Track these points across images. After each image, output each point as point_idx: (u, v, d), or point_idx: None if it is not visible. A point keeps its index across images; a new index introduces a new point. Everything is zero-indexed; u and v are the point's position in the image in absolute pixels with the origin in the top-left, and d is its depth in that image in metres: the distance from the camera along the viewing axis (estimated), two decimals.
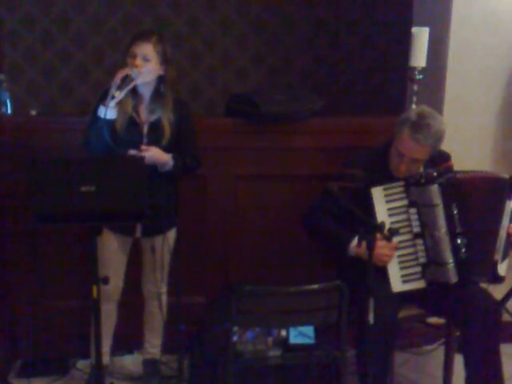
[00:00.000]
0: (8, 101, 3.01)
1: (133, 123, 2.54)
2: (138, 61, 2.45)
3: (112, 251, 2.65)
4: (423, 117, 2.42)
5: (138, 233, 2.65)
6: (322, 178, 2.76)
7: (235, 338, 2.43)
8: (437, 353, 3.07)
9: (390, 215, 2.44)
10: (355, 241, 2.41)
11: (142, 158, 2.34)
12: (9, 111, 3.02)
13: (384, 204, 2.44)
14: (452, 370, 2.75)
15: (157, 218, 2.52)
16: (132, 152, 2.45)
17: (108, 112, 2.40)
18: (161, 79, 2.54)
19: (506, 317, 3.02)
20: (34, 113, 3.15)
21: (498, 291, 2.97)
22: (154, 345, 2.88)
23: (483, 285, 2.62)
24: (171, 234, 2.72)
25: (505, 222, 2.43)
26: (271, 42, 4.13)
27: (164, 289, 2.77)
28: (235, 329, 2.39)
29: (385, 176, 2.52)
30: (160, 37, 2.54)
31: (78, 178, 2.09)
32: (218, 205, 3.07)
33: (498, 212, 2.42)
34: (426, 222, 2.43)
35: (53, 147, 2.83)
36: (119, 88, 2.40)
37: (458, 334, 2.67)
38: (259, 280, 3.04)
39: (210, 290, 3.09)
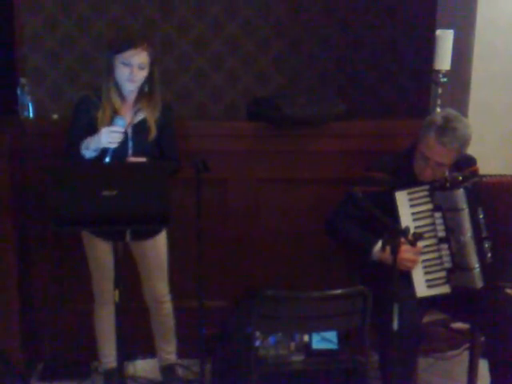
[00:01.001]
0: (30, 105, 3.03)
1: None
2: (136, 71, 2.40)
3: (104, 255, 2.60)
4: (449, 120, 2.39)
5: (128, 238, 2.59)
6: (344, 182, 2.75)
7: (258, 343, 2.42)
8: (461, 358, 3.04)
9: (414, 219, 2.42)
10: (379, 245, 2.39)
11: (164, 164, 2.33)
12: (31, 115, 3.04)
13: (408, 208, 2.42)
14: (476, 376, 2.72)
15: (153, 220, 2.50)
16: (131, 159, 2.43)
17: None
18: (147, 79, 2.49)
19: None
20: (55, 117, 3.17)
21: None
22: (167, 351, 2.85)
23: (509, 290, 2.59)
24: (161, 239, 2.69)
25: None
26: (293, 45, 4.11)
27: (167, 297, 2.75)
28: (257, 334, 2.39)
29: (409, 180, 2.49)
30: (149, 41, 2.50)
31: (99, 182, 2.09)
32: (239, 208, 3.06)
33: None
34: (451, 227, 2.40)
35: None
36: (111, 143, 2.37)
37: (482, 339, 2.63)
38: (281, 284, 3.02)
39: (231, 294, 3.08)
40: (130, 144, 2.50)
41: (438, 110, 2.87)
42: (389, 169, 2.53)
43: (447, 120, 2.39)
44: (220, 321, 2.87)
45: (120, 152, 2.43)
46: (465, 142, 2.41)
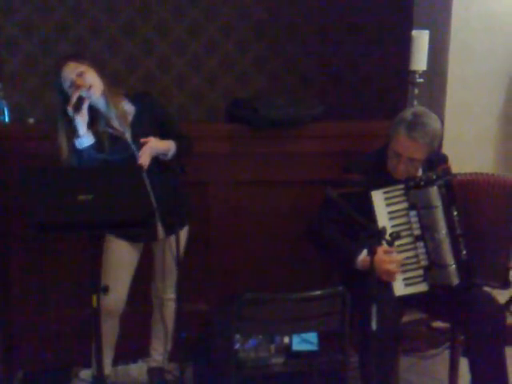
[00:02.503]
0: (6, 109, 3.00)
1: (115, 139, 2.50)
2: (78, 80, 2.40)
3: (120, 260, 2.61)
4: (418, 115, 2.43)
5: (161, 234, 2.61)
6: (324, 183, 2.74)
7: (238, 346, 2.41)
8: (442, 357, 3.05)
9: (390, 218, 2.43)
10: (363, 254, 2.40)
11: (140, 167, 2.32)
12: (7, 119, 3.01)
13: (384, 207, 2.43)
14: (457, 374, 2.73)
15: (167, 219, 2.53)
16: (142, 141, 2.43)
17: (85, 140, 2.38)
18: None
19: (510, 319, 3.00)
20: (31, 121, 3.14)
21: (500, 293, 2.96)
22: (160, 352, 2.86)
23: (487, 288, 2.60)
24: (183, 234, 2.70)
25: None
26: (273, 46, 4.12)
27: (173, 295, 2.75)
28: (237, 337, 2.38)
29: (384, 178, 2.51)
30: (79, 54, 2.55)
31: (74, 186, 2.07)
32: (220, 211, 3.05)
33: (504, 215, 2.40)
34: (426, 225, 2.42)
35: (51, 155, 2.81)
36: (77, 112, 2.36)
37: (462, 337, 2.65)
38: (262, 286, 3.00)
39: (213, 297, 3.07)
40: (133, 148, 2.50)
41: None
42: (364, 169, 2.54)
43: (416, 116, 2.43)
44: (201, 324, 2.86)
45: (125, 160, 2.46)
46: (435, 136, 2.44)
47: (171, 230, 2.57)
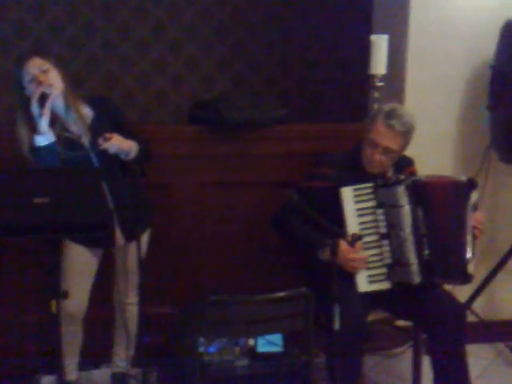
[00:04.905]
0: None
1: (71, 143, 2.45)
2: (41, 76, 2.35)
3: (78, 266, 2.57)
4: (395, 108, 2.51)
5: (121, 241, 2.58)
6: (288, 185, 2.76)
7: (202, 349, 2.40)
8: (406, 355, 3.09)
9: (358, 215, 2.46)
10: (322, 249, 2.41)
11: (98, 169, 2.29)
12: None
13: (353, 204, 2.46)
14: (421, 372, 2.77)
15: (127, 223, 2.50)
16: (100, 140, 2.39)
17: (45, 138, 2.33)
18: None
19: (471, 318, 3.06)
20: None
21: (462, 290, 3.02)
22: (123, 358, 2.83)
23: (448, 286, 2.65)
24: (145, 238, 2.68)
25: (469, 222, 2.46)
26: (236, 48, 4.12)
27: (135, 299, 2.72)
28: (202, 340, 2.37)
29: (357, 173, 2.53)
30: (45, 51, 2.50)
31: (30, 189, 2.02)
32: (184, 213, 3.04)
33: (461, 214, 2.45)
34: (392, 223, 2.45)
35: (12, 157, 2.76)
36: (40, 108, 2.32)
37: (425, 336, 2.68)
38: (227, 289, 3.00)
39: (178, 300, 3.05)
40: (92, 153, 2.47)
41: None
42: (337, 164, 2.57)
43: (393, 108, 2.51)
44: (165, 328, 2.83)
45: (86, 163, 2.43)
46: (410, 128, 2.50)
47: (131, 235, 2.55)
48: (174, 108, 4.15)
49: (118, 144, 2.42)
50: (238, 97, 3.90)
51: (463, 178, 2.51)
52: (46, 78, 2.36)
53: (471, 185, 2.50)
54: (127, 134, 2.53)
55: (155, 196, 2.91)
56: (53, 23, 3.86)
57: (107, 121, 2.52)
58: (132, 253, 2.57)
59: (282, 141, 3.02)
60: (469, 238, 2.46)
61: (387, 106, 2.53)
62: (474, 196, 2.50)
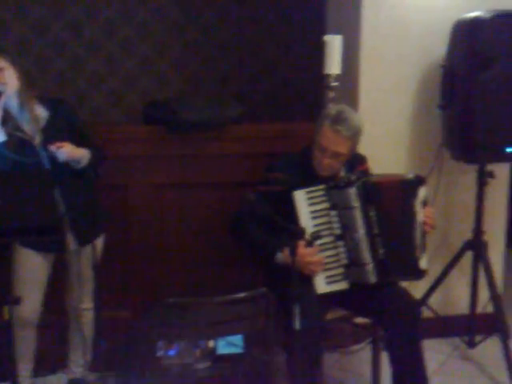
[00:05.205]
0: None
1: (22, 143, 2.39)
2: None
3: (30, 271, 2.51)
4: (342, 111, 2.50)
5: (72, 245, 2.53)
6: (246, 185, 2.75)
7: (161, 353, 2.36)
8: (364, 352, 3.12)
9: (312, 218, 2.46)
10: (284, 251, 2.41)
11: (48, 172, 2.22)
12: None
13: (307, 207, 2.46)
14: (379, 368, 2.79)
15: (80, 228, 2.45)
16: (51, 148, 2.33)
17: None
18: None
19: (428, 313, 3.11)
20: None
21: (419, 286, 3.07)
22: (79, 364, 2.78)
23: (404, 283, 2.68)
24: (99, 243, 2.63)
25: (418, 218, 2.49)
26: (191, 47, 4.10)
27: (90, 304, 2.67)
28: (161, 343, 2.33)
29: (309, 177, 2.54)
30: (2, 49, 2.46)
31: None
32: (141, 215, 3.00)
33: (410, 211, 2.48)
34: (346, 224, 2.47)
35: None
36: None
37: (383, 332, 2.71)
38: (188, 290, 2.98)
39: (135, 303, 3.01)
40: (43, 154, 2.40)
41: None
42: (288, 168, 2.57)
43: (341, 111, 2.50)
44: (123, 332, 2.79)
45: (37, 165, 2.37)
46: (357, 131, 2.50)
47: (84, 239, 2.51)
48: (128, 108, 4.11)
49: (69, 152, 2.37)
50: (193, 96, 3.90)
51: (410, 176, 2.53)
52: (1, 77, 2.32)
53: (418, 181, 2.52)
54: (81, 138, 2.48)
55: (111, 198, 2.88)
56: (0, 23, 3.76)
57: (62, 123, 2.47)
58: (86, 258, 2.54)
59: (239, 141, 3.01)
60: (419, 234, 2.50)
61: (333, 109, 2.52)
62: (423, 192, 2.53)
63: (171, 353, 2.40)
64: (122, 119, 4.09)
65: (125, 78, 4.09)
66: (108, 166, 2.68)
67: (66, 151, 2.35)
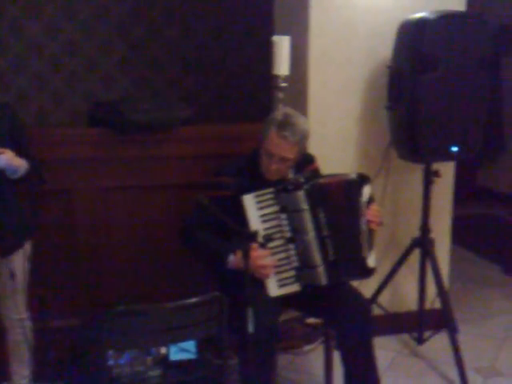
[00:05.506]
0: None
1: None
2: None
3: None
4: (288, 116, 2.49)
5: None
6: (195, 187, 2.70)
7: (111, 362, 2.30)
8: (317, 352, 3.13)
9: (262, 221, 2.44)
10: (237, 255, 2.39)
11: None
12: None
13: (256, 211, 2.44)
14: (332, 367, 2.81)
15: (7, 237, 2.36)
16: None
17: None
18: None
19: (378, 311, 3.15)
20: None
21: (369, 285, 3.10)
22: (22, 375, 2.67)
23: (355, 282, 2.70)
24: (23, 253, 2.51)
25: (364, 217, 2.51)
26: (136, 47, 4.03)
27: (26, 314, 2.57)
28: (111, 352, 2.27)
29: (257, 180, 2.52)
30: None
31: None
32: (87, 219, 2.92)
33: (355, 210, 2.49)
34: (295, 227, 2.46)
35: None
36: None
37: (334, 332, 2.72)
38: (138, 297, 2.92)
39: (83, 311, 2.92)
40: None
41: None
42: (236, 172, 2.55)
43: (286, 116, 2.49)
44: (72, 341, 2.70)
45: None
46: (304, 136, 2.50)
47: (8, 251, 2.42)
48: (71, 110, 4.02)
49: (8, 160, 2.27)
50: (140, 97, 3.83)
51: (353, 175, 2.54)
52: None
53: (362, 180, 2.53)
54: (19, 146, 2.38)
55: (55, 203, 2.80)
56: None
57: (4, 128, 2.37)
58: (19, 268, 2.45)
59: (187, 142, 2.97)
60: (365, 233, 2.51)
61: (279, 114, 2.51)
62: (367, 190, 2.54)
63: (122, 361, 2.35)
64: (66, 121, 3.99)
65: (68, 79, 3.99)
66: (52, 171, 2.59)
67: (6, 158, 2.25)
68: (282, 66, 2.91)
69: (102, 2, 3.96)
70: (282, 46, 2.91)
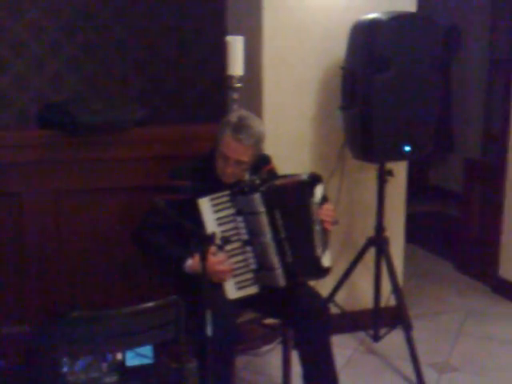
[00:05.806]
0: None
1: None
2: None
3: None
4: (243, 118, 2.48)
5: None
6: (149, 189, 2.68)
7: (65, 369, 2.24)
8: (275, 352, 3.13)
9: (219, 224, 2.42)
10: (195, 259, 2.36)
11: None
12: None
13: (212, 214, 2.41)
14: (290, 367, 2.81)
15: None
16: None
17: None
18: None
19: (335, 309, 3.17)
20: None
21: (326, 284, 3.12)
22: None
23: (311, 282, 2.71)
24: None
25: (317, 217, 2.52)
26: (87, 47, 3.95)
27: None
28: (65, 359, 2.21)
29: (213, 183, 2.50)
30: None
31: None
32: (37, 224, 2.84)
33: (308, 211, 2.49)
34: (252, 230, 2.44)
35: None
36: None
37: (292, 331, 2.73)
38: (91, 302, 2.86)
39: (34, 317, 2.84)
40: None
41: None
42: (191, 175, 2.52)
43: (241, 119, 2.47)
44: (23, 349, 2.62)
45: None
46: (260, 138, 2.49)
47: None
48: (19, 111, 3.91)
49: None
50: (90, 98, 3.75)
51: (305, 176, 2.53)
52: None
53: (314, 180, 2.53)
54: None
55: (3, 206, 2.72)
56: None
57: None
58: None
59: (141, 144, 2.92)
60: (319, 233, 2.51)
61: (234, 117, 2.49)
62: (319, 190, 2.54)
63: (77, 368, 2.29)
64: (13, 123, 3.88)
65: (14, 79, 3.88)
66: (0, 174, 2.51)
67: None
68: (237, 66, 2.90)
69: (51, 2, 3.86)
70: (236, 46, 2.89)
